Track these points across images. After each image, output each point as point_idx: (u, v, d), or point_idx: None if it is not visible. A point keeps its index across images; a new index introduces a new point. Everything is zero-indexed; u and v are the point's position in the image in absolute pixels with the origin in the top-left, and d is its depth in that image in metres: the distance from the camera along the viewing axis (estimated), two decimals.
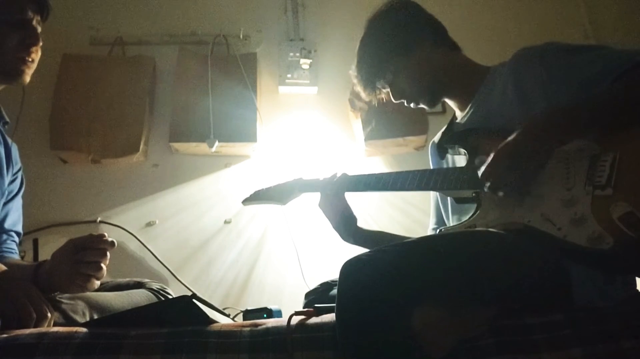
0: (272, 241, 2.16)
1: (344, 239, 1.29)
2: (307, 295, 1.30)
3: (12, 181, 1.28)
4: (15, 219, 1.28)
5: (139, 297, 1.17)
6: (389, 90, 1.26)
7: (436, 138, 1.35)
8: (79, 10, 2.36)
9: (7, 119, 1.30)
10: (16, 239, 1.28)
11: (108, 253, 0.99)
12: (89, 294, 1.06)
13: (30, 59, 1.17)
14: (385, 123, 2.18)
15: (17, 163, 1.31)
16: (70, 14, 2.28)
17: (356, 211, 1.29)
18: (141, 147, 2.12)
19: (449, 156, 1.27)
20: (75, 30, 2.30)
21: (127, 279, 1.29)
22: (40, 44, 1.18)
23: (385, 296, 0.73)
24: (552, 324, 0.80)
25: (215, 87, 2.17)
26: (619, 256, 0.79)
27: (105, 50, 2.30)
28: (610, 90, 0.94)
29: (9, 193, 1.27)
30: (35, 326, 0.89)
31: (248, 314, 1.57)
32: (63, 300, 1.00)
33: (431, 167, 1.37)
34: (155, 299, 1.19)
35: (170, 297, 1.23)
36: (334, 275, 0.93)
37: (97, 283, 1.01)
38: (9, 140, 1.30)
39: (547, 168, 0.94)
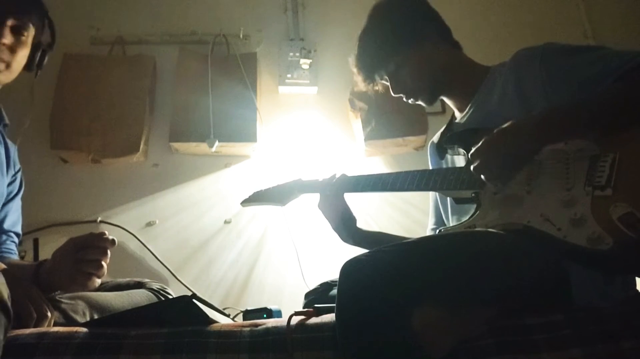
0: (272, 241, 2.16)
1: (343, 240, 1.29)
2: (307, 295, 1.30)
3: (11, 183, 1.28)
4: (14, 220, 1.28)
5: (139, 297, 1.17)
6: (388, 83, 1.25)
7: (435, 138, 1.34)
8: (79, 9, 2.36)
9: (7, 121, 1.30)
10: (15, 240, 1.28)
11: (109, 252, 0.99)
12: (89, 294, 1.06)
13: None
14: (385, 123, 2.18)
15: (17, 164, 1.32)
16: (71, 14, 2.28)
17: (356, 212, 1.28)
18: (141, 146, 2.12)
19: (448, 156, 1.26)
20: (75, 29, 2.29)
21: (127, 279, 1.29)
22: (6, 41, 1.14)
23: (385, 296, 0.73)
24: (552, 324, 0.80)
25: (215, 86, 2.17)
26: (618, 257, 0.79)
27: (105, 50, 2.30)
28: (610, 91, 0.94)
29: (9, 194, 1.27)
30: (35, 326, 0.89)
31: (248, 314, 1.57)
32: (63, 300, 1.00)
33: (430, 167, 1.37)
34: (155, 299, 1.19)
35: (170, 297, 1.23)
36: (333, 275, 0.93)
37: (98, 281, 1.01)
38: (9, 142, 1.30)
39: (547, 168, 0.94)
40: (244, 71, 2.21)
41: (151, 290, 1.22)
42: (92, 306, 1.04)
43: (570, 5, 2.61)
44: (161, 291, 1.23)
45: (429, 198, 1.38)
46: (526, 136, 0.94)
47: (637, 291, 1.01)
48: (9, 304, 0.74)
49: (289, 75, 2.32)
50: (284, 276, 2.09)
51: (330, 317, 0.84)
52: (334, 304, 0.78)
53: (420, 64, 1.20)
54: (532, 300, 0.85)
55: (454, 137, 1.18)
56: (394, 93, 1.25)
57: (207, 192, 2.22)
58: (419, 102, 1.25)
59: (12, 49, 1.16)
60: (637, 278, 1.03)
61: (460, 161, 1.20)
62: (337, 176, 1.28)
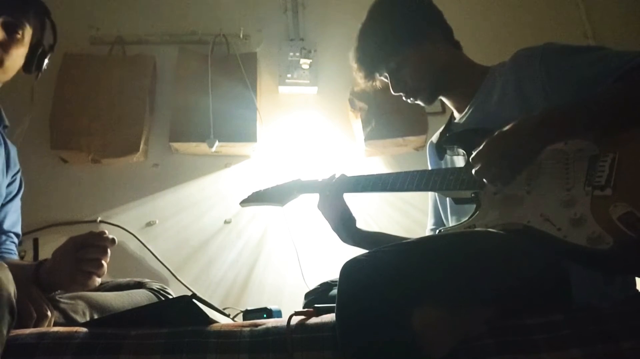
0: (272, 241, 2.16)
1: (343, 240, 1.29)
2: (307, 295, 1.30)
3: (11, 183, 1.29)
4: (14, 220, 1.28)
5: (139, 297, 1.17)
6: (388, 80, 1.24)
7: (434, 138, 1.34)
8: (79, 9, 2.36)
9: (7, 122, 1.30)
10: (15, 240, 1.28)
11: (109, 251, 0.99)
12: (89, 294, 1.06)
13: None
14: (385, 123, 2.18)
15: (16, 165, 1.32)
16: (71, 14, 2.28)
17: (355, 212, 1.28)
18: (141, 146, 2.12)
19: (447, 156, 1.26)
20: (75, 29, 2.29)
21: (127, 279, 1.29)
22: None
23: (385, 296, 0.73)
24: (552, 325, 0.80)
25: (215, 86, 2.17)
26: (618, 256, 0.79)
27: (105, 50, 2.30)
28: (610, 91, 0.94)
29: (8, 194, 1.27)
30: (35, 326, 0.89)
31: (248, 314, 1.57)
32: (63, 300, 1.00)
33: (429, 167, 1.37)
34: (155, 299, 1.19)
35: (170, 297, 1.23)
36: (333, 275, 0.93)
37: (98, 280, 1.01)
38: (9, 143, 1.30)
39: (547, 168, 0.94)
40: (244, 71, 2.21)
41: (151, 289, 1.22)
42: (92, 306, 1.04)
43: (570, 5, 2.61)
44: (161, 291, 1.23)
45: (429, 198, 1.38)
46: (527, 137, 0.93)
47: (637, 291, 1.01)
48: (14, 301, 0.74)
49: (289, 75, 2.32)
50: (284, 276, 2.09)
51: (330, 317, 0.84)
52: (334, 305, 0.78)
53: (421, 64, 1.19)
54: (532, 300, 0.85)
55: (453, 137, 1.18)
56: (394, 92, 1.24)
57: (207, 192, 2.22)
58: (418, 102, 1.25)
59: (5, 47, 1.14)
60: (637, 278, 1.03)
61: (459, 161, 1.20)
62: (337, 176, 1.28)
